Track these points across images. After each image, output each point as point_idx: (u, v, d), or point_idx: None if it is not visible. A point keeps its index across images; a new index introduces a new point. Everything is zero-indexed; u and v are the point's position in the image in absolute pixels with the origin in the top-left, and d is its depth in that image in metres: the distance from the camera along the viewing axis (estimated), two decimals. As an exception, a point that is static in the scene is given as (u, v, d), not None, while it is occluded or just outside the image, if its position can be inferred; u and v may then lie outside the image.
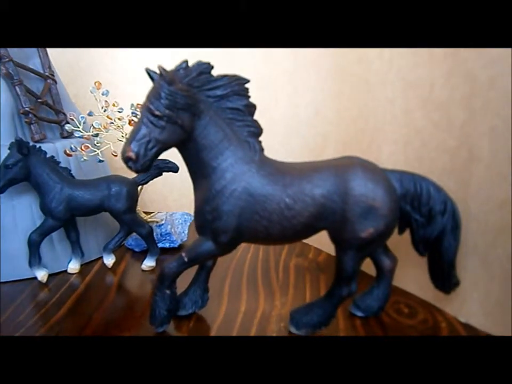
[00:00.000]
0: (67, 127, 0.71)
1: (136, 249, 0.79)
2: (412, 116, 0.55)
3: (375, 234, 0.46)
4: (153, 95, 0.42)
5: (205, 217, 0.47)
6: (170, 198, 1.00)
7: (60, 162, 0.65)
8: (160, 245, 0.76)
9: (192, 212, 0.86)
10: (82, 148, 0.67)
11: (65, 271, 0.70)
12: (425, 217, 0.48)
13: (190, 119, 0.44)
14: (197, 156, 0.46)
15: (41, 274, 0.65)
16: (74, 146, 0.67)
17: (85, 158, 0.68)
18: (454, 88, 0.49)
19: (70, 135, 0.75)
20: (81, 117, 0.71)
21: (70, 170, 0.66)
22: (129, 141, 0.43)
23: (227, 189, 0.46)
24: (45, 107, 0.72)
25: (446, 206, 0.48)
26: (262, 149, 0.49)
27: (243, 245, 0.56)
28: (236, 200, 0.46)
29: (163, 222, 0.79)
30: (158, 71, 0.43)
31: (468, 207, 0.50)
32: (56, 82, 0.75)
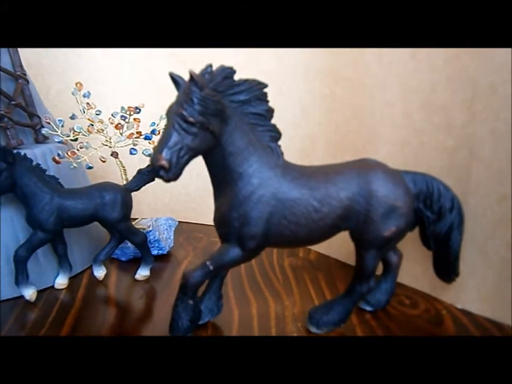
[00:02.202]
0: (44, 131, 0.66)
1: (123, 259, 0.75)
2: (411, 118, 0.58)
3: (396, 232, 0.48)
4: (185, 101, 0.41)
5: (232, 224, 0.46)
6: (144, 202, 0.97)
7: (46, 170, 0.60)
8: (148, 252, 0.73)
9: (167, 215, 0.86)
10: (69, 154, 0.63)
11: (52, 286, 0.64)
12: (436, 214, 0.51)
13: (219, 125, 0.43)
14: (223, 162, 0.46)
15: (30, 293, 0.59)
16: (63, 153, 0.62)
17: (74, 165, 0.63)
18: (454, 92, 0.53)
19: (45, 139, 0.69)
20: (59, 121, 0.66)
21: (57, 179, 0.61)
22: (160, 149, 0.41)
23: (255, 195, 0.46)
24: (18, 110, 0.66)
25: (453, 203, 0.51)
26: (282, 153, 0.49)
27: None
28: (264, 206, 0.46)
29: (150, 228, 0.76)
30: (170, 76, 0.43)
31: (468, 202, 0.54)
32: (28, 82, 0.68)
